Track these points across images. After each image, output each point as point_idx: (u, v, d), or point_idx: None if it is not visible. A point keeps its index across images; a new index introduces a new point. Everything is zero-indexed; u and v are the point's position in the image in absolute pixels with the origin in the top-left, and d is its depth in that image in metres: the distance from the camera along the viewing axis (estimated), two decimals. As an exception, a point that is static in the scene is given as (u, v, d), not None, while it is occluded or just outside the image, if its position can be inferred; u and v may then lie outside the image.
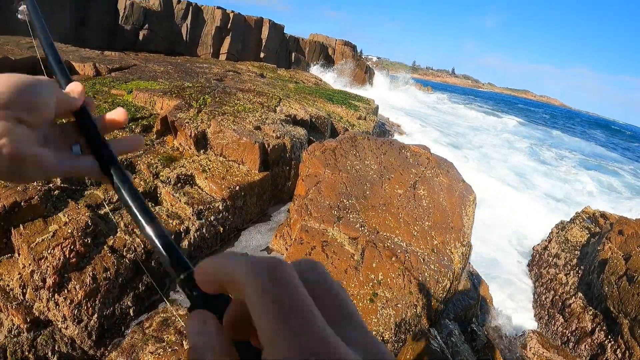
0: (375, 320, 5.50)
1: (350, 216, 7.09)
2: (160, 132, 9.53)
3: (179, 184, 7.77)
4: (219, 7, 34.15)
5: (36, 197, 6.06)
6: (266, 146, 8.91)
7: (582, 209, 14.07)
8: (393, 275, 6.03)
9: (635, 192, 27.44)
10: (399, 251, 6.44)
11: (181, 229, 6.99)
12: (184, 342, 5.32)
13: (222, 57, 33.34)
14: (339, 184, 7.91)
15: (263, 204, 8.94)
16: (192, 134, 8.82)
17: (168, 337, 5.43)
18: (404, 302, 5.81)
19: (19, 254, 5.64)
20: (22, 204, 5.86)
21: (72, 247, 5.61)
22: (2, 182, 6.07)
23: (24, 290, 5.44)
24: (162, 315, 5.87)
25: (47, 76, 0.87)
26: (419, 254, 6.56)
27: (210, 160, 8.61)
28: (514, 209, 17.53)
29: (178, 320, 5.68)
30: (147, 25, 31.33)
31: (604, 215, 13.09)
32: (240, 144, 8.78)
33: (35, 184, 6.37)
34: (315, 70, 35.72)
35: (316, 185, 7.82)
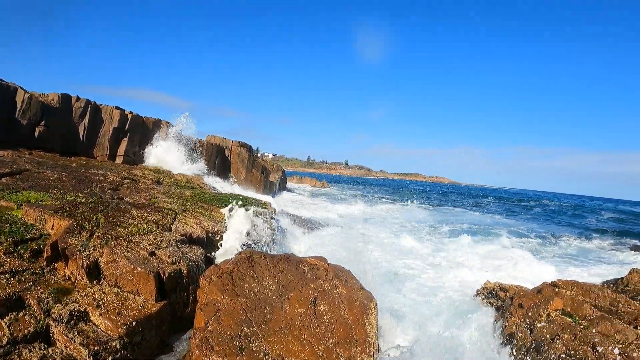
0: None
1: (253, 345, 7.24)
2: (50, 258, 9.28)
3: (73, 322, 7.55)
4: (117, 108, 33.87)
5: None
6: (162, 274, 8.93)
7: (483, 285, 14.66)
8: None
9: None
10: None
11: (77, 376, 6.77)
12: None
13: (119, 159, 32.60)
14: (238, 311, 8.07)
15: (163, 335, 8.77)
16: (84, 264, 8.66)
17: None
18: None
19: None
20: None
21: None
22: None
23: None
24: None
25: None
26: None
27: (104, 293, 8.45)
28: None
29: None
30: (44, 122, 30.04)
31: (503, 288, 13.54)
32: (135, 274, 8.73)
33: None
34: (212, 180, 35.89)
35: (215, 314, 7.94)
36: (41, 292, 8.00)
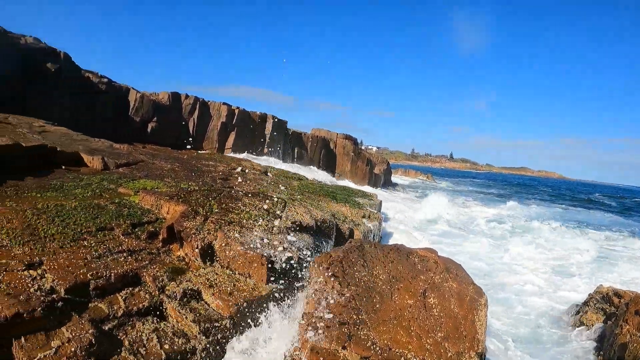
0: None
1: (362, 333, 6.90)
2: (165, 240, 9.51)
3: (185, 299, 7.66)
4: (224, 103, 35.30)
5: (39, 309, 5.92)
6: (273, 259, 8.86)
7: (595, 289, 13.69)
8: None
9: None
10: None
11: (187, 349, 6.79)
12: None
13: (227, 151, 34.06)
14: (348, 299, 7.76)
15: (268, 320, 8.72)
16: (199, 246, 8.82)
17: None
18: None
19: None
20: (25, 315, 5.72)
21: None
22: (5, 290, 6.03)
23: None
24: None
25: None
26: None
27: (217, 274, 8.55)
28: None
29: None
30: (155, 118, 32.29)
31: (617, 293, 12.65)
32: (248, 258, 8.76)
33: (38, 293, 6.26)
34: (318, 172, 36.24)
35: (325, 300, 7.67)
36: (157, 271, 8.18)
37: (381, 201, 23.76)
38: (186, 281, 8.06)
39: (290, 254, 9.40)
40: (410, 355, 6.60)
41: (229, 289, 8.16)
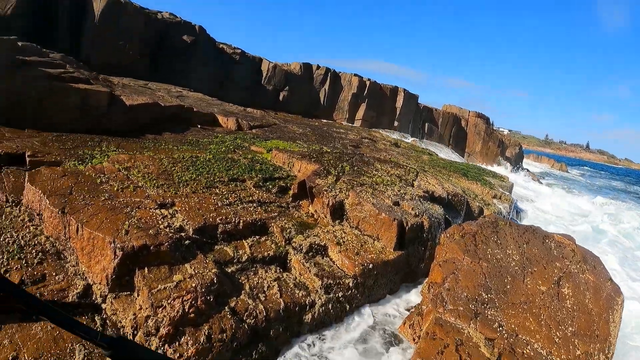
0: None
1: (489, 313, 6.31)
2: (296, 195, 9.44)
3: (311, 253, 7.49)
4: (355, 75, 35.10)
5: (166, 244, 6.03)
6: (404, 224, 8.43)
7: None
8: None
9: None
10: None
11: (306, 302, 6.61)
12: None
13: (357, 122, 34.00)
14: (478, 275, 7.18)
15: (393, 285, 8.35)
16: (330, 203, 8.61)
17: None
18: None
19: (138, 295, 5.53)
20: (152, 248, 5.85)
21: (193, 302, 5.44)
22: (135, 224, 6.22)
23: (135, 332, 5.27)
24: None
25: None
26: None
27: (345, 233, 8.29)
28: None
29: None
30: (287, 87, 32.95)
31: None
32: (379, 220, 8.39)
33: (167, 230, 6.42)
34: (446, 149, 34.93)
35: (454, 274, 7.15)
36: (285, 223, 8.07)
37: (513, 184, 22.28)
38: (314, 235, 7.87)
39: (421, 221, 8.93)
40: (537, 345, 5.88)
41: (356, 248, 7.85)
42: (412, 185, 11.26)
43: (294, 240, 7.63)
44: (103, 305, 5.51)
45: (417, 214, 9.05)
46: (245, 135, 15.84)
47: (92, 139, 11.44)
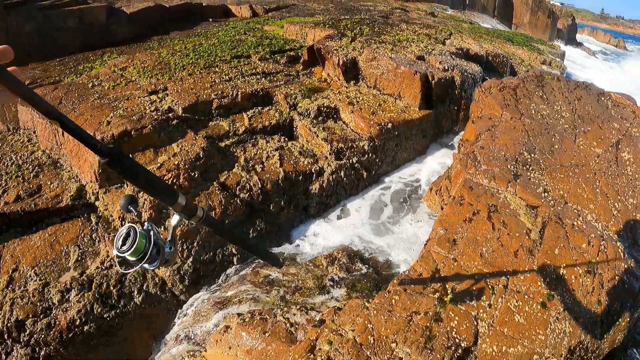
0: (542, 338, 3.48)
1: (531, 175, 5.13)
2: (307, 62, 8.30)
3: (320, 117, 6.49)
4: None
5: (149, 126, 5.61)
6: (430, 78, 7.15)
7: None
8: (580, 272, 4.01)
9: None
10: (593, 236, 4.37)
11: (312, 170, 5.74)
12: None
13: (391, -2, 31.55)
14: (519, 132, 5.94)
15: (422, 149, 7.27)
16: (340, 62, 7.39)
17: (268, 298, 4.55)
18: (587, 316, 3.80)
19: (127, 185, 5.27)
20: (132, 132, 5.51)
21: (175, 180, 4.97)
22: (120, 114, 5.88)
23: (122, 223, 4.99)
24: (267, 270, 4.94)
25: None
26: (618, 244, 4.42)
27: (360, 93, 7.14)
28: None
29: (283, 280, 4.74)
30: None
31: None
32: (398, 74, 7.12)
33: (153, 114, 5.97)
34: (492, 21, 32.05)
35: (489, 130, 5.95)
36: (291, 89, 7.03)
37: (564, 51, 20.08)
38: (323, 98, 6.80)
39: (452, 76, 7.61)
40: (590, 217, 4.66)
41: (372, 108, 6.71)
42: (443, 43, 9.79)
43: (299, 105, 6.64)
44: (97, 203, 5.34)
45: (447, 68, 7.74)
46: (259, 19, 14.76)
47: (94, 54, 11.59)
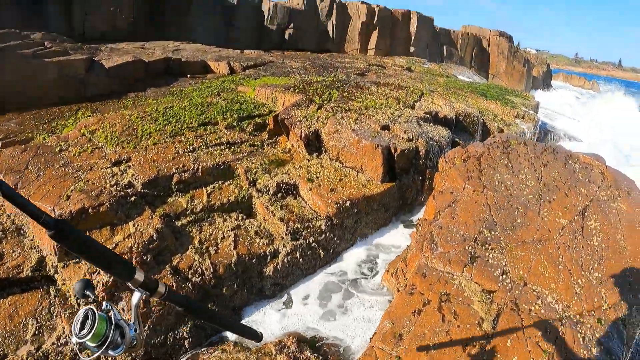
0: None
1: (490, 256, 5.03)
2: (272, 131, 8.29)
3: (280, 194, 6.44)
4: (363, 2, 33.07)
5: (107, 203, 5.51)
6: (392, 150, 7.16)
7: None
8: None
9: None
10: (552, 321, 4.24)
11: (267, 252, 5.65)
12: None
13: (370, 52, 32.11)
14: (480, 207, 5.88)
15: (384, 222, 7.20)
16: (303, 135, 7.40)
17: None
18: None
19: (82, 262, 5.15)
20: (90, 210, 5.40)
21: None
22: (81, 187, 5.82)
23: (79, 301, 4.91)
24: (220, 354, 4.79)
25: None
26: (578, 327, 4.29)
27: (322, 167, 7.12)
28: None
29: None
30: (292, 25, 31.37)
31: None
32: (359, 148, 7.14)
33: (113, 189, 5.90)
34: (468, 72, 32.73)
35: (450, 207, 5.89)
36: (252, 163, 7.00)
37: (539, 102, 20.26)
38: (283, 174, 6.77)
39: (415, 146, 7.61)
40: (550, 298, 4.55)
41: (332, 184, 6.68)
42: (413, 107, 9.86)
43: (259, 181, 6.59)
44: (56, 276, 5.28)
45: (411, 137, 7.76)
46: (234, 78, 14.76)
47: (70, 109, 11.43)
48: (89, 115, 10.20)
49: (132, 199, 5.81)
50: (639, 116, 31.43)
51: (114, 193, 5.73)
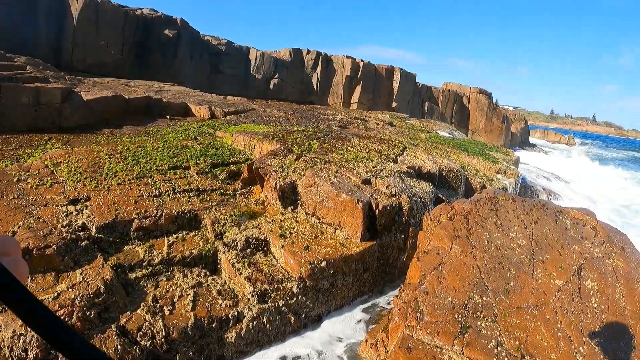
0: None
1: (483, 325, 4.53)
2: (247, 180, 7.80)
3: (249, 250, 5.88)
4: (348, 57, 33.44)
5: (54, 246, 5.00)
6: (374, 206, 6.66)
7: None
8: None
9: None
10: None
11: (230, 315, 5.02)
12: None
13: (353, 106, 32.30)
14: (470, 269, 5.41)
15: (363, 286, 6.58)
16: (278, 186, 6.88)
17: None
18: None
19: None
20: (35, 251, 4.92)
21: (67, 319, 4.29)
22: (30, 224, 5.36)
23: (12, 353, 4.24)
24: None
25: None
26: None
27: (297, 222, 6.58)
28: None
29: None
30: (277, 75, 31.53)
31: None
32: (338, 203, 6.61)
33: (64, 230, 5.40)
34: (448, 128, 32.93)
35: (437, 269, 5.40)
36: (221, 213, 6.45)
37: (519, 157, 20.27)
38: (253, 227, 6.19)
39: (399, 202, 7.13)
40: None
41: (306, 241, 6.10)
42: (395, 161, 9.47)
43: (226, 234, 6.03)
44: None
45: (394, 193, 7.28)
46: (215, 122, 14.44)
47: (40, 138, 11.05)
48: (58, 147, 9.82)
49: (84, 243, 5.28)
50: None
51: (64, 235, 5.23)
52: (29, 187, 6.44)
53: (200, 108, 16.27)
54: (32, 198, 6.07)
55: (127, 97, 14.45)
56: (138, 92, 17.13)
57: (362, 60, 33.78)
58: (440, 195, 9.50)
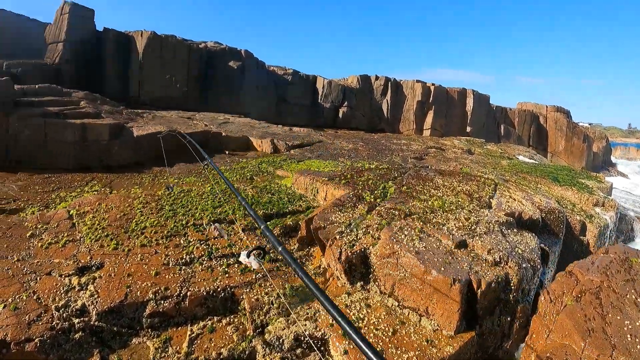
0: None
1: None
2: (304, 239, 6.28)
3: (299, 350, 4.26)
4: (418, 81, 31.87)
5: (37, 340, 3.87)
6: (474, 285, 4.88)
7: None
8: None
9: None
10: None
11: None
12: None
13: (426, 132, 30.55)
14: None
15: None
16: (343, 256, 5.21)
17: None
18: None
19: None
20: (12, 345, 3.79)
21: None
22: (17, 302, 4.34)
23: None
24: None
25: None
26: None
27: (368, 306, 4.83)
28: None
29: None
30: (345, 103, 30.52)
31: None
32: (427, 282, 4.83)
33: (56, 314, 4.28)
34: (527, 151, 30.56)
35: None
36: (266, 293, 4.91)
37: (612, 183, 17.69)
38: (306, 319, 4.54)
39: (505, 273, 5.32)
40: None
41: (381, 340, 4.36)
42: (490, 207, 7.70)
43: (269, 328, 4.44)
44: None
45: (498, 260, 5.46)
46: (277, 157, 13.25)
47: (82, 178, 10.59)
48: (96, 190, 9.29)
49: (77, 335, 4.07)
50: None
51: (54, 322, 4.08)
52: (40, 245, 5.58)
53: (262, 142, 15.28)
54: (37, 262, 5.17)
55: (181, 131, 13.54)
56: (198, 125, 16.44)
57: (432, 84, 32.15)
58: (542, 245, 7.64)
